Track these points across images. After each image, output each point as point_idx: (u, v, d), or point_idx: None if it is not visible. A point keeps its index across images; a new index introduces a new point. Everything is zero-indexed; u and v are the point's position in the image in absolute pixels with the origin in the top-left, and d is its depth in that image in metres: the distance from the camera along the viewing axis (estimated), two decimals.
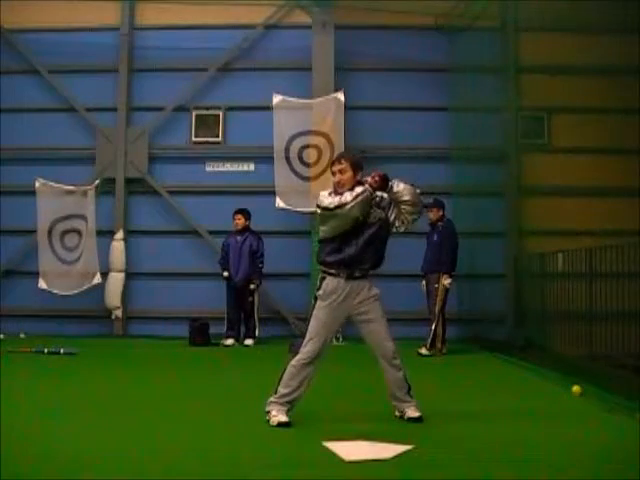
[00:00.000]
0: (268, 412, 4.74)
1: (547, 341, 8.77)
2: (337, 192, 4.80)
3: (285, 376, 4.77)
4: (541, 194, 9.87)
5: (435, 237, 9.03)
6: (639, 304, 6.73)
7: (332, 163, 4.98)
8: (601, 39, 9.20)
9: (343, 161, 4.88)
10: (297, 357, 4.78)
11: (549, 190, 9.83)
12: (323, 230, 4.88)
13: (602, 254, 7.39)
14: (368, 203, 4.77)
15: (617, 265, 6.98)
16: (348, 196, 4.69)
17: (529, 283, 9.60)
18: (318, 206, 4.81)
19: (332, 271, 4.82)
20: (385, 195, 4.88)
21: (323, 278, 4.86)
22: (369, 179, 4.82)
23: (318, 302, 4.83)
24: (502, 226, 10.18)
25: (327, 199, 4.76)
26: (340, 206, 4.68)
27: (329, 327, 4.83)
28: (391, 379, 4.90)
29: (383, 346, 4.86)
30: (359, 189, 4.73)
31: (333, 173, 4.89)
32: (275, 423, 4.66)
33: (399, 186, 4.81)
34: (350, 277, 4.80)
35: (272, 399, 4.77)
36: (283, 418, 4.68)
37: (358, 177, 4.87)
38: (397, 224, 4.91)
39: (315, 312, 4.83)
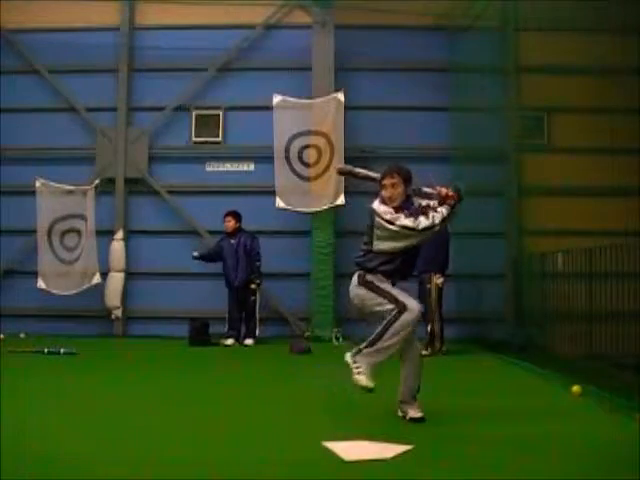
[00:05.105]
0: (356, 365, 4.68)
1: (547, 341, 8.75)
2: (397, 207, 4.74)
3: (389, 331, 4.67)
4: (541, 194, 9.84)
5: None
6: (639, 304, 6.72)
7: (383, 176, 4.87)
8: (601, 39, 9.16)
9: (395, 175, 4.84)
10: (402, 317, 4.65)
11: (549, 190, 9.81)
12: (390, 246, 4.77)
13: (602, 254, 7.38)
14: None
15: (617, 265, 6.96)
16: (436, 218, 4.68)
17: (529, 283, 9.58)
18: (390, 222, 4.68)
19: (379, 276, 4.83)
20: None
21: (365, 275, 4.83)
22: (441, 194, 4.74)
23: (378, 283, 4.77)
24: (502, 226, 10.16)
25: (405, 219, 4.67)
26: (430, 227, 4.67)
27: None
28: (409, 384, 4.87)
29: (414, 345, 4.89)
30: (444, 210, 4.72)
31: (384, 186, 4.82)
32: (360, 383, 4.65)
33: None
34: (394, 284, 4.88)
35: (364, 352, 4.70)
36: (370, 383, 4.67)
37: (409, 191, 4.86)
38: None
39: (383, 287, 4.76)
